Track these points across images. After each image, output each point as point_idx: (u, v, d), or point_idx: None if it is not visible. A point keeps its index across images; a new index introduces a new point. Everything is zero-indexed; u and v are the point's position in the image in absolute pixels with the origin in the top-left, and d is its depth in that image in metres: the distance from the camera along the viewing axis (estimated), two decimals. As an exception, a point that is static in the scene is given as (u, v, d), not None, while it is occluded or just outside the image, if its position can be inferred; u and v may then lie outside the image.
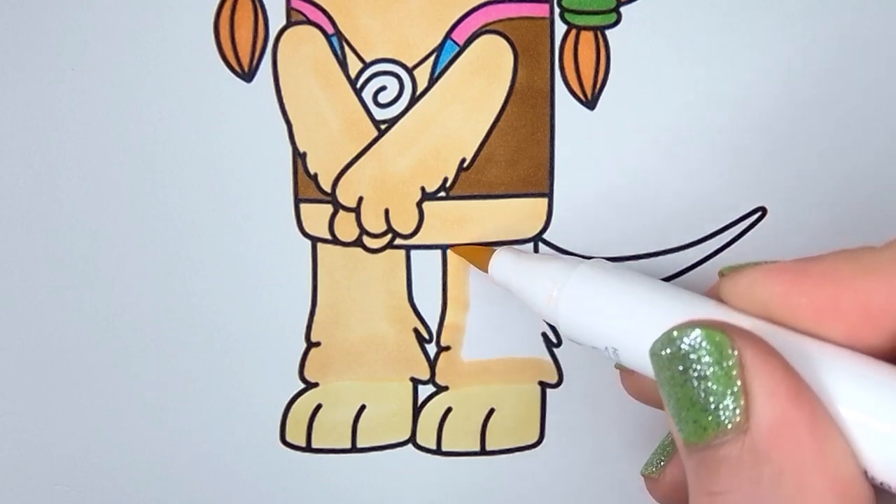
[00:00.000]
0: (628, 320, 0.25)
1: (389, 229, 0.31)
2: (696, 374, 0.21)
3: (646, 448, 0.33)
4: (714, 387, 0.20)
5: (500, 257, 0.30)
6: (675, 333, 0.21)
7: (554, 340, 0.32)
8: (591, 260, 0.27)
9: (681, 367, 0.21)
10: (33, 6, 0.30)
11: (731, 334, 0.21)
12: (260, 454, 0.32)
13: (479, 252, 0.31)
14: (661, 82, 0.31)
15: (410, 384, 0.32)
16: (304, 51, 0.30)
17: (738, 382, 0.20)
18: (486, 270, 0.30)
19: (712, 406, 0.20)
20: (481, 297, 0.32)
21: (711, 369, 0.21)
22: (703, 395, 0.21)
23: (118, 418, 0.32)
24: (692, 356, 0.21)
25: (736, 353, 0.20)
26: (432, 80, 0.31)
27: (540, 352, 0.32)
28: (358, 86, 0.31)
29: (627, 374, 0.29)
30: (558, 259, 0.28)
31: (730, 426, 0.20)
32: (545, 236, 0.32)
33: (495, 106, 0.31)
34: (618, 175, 0.31)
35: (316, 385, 0.32)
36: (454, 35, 0.31)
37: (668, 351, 0.21)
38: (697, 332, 0.21)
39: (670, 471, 0.27)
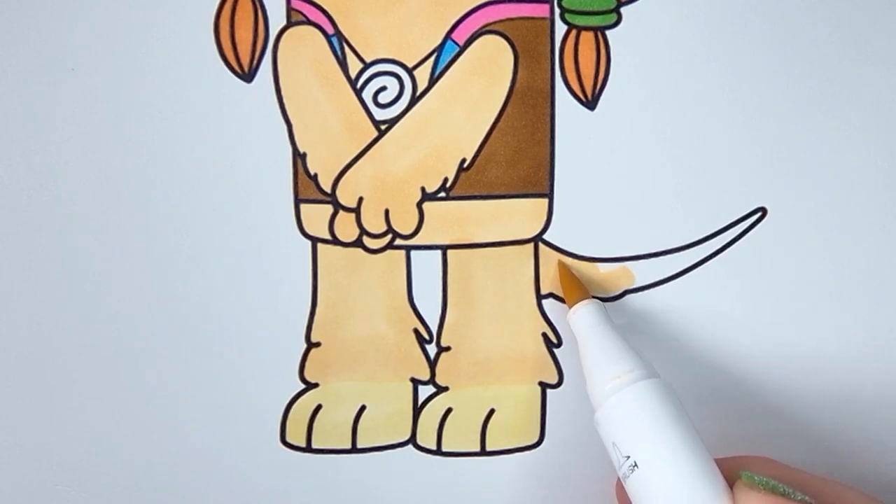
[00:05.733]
0: (666, 451, 0.26)
1: (389, 229, 0.31)
2: None
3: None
4: None
5: (585, 309, 0.30)
6: None
7: (554, 341, 0.32)
8: (657, 381, 0.28)
9: None
10: (33, 6, 0.30)
11: None
12: (260, 454, 0.32)
13: (575, 287, 0.31)
14: (661, 82, 0.31)
15: (410, 384, 0.32)
16: (304, 51, 0.30)
17: None
18: (569, 306, 0.31)
19: None
20: (481, 298, 0.32)
21: None
22: None
23: (118, 418, 0.32)
24: None
25: None
26: (432, 81, 0.31)
27: (540, 352, 0.32)
28: (358, 86, 0.31)
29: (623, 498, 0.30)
30: (632, 355, 0.29)
31: None
32: (545, 236, 0.32)
33: (495, 106, 0.31)
34: (618, 175, 0.31)
35: (316, 385, 0.32)
36: (454, 35, 0.30)
37: None
38: None
39: None
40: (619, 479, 0.30)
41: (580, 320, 0.30)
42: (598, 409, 0.28)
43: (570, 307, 0.31)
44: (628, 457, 0.27)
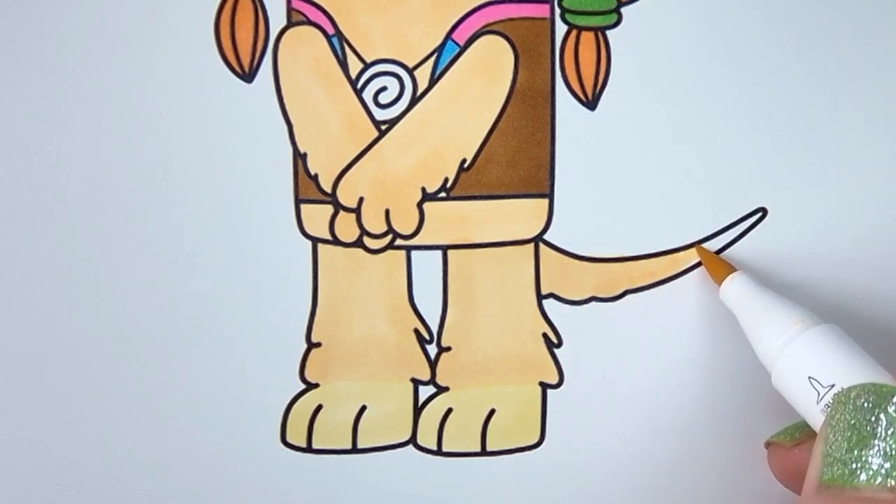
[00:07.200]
0: (869, 373, 0.26)
1: (390, 230, 0.31)
2: (882, 430, 0.23)
3: (645, 448, 0.33)
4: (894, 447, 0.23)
5: (737, 280, 0.30)
6: (885, 389, 0.24)
7: (554, 341, 0.32)
8: (825, 326, 0.28)
9: (871, 418, 0.24)
10: (33, 6, 0.30)
11: None
12: (260, 455, 0.32)
13: (719, 265, 0.31)
14: (661, 82, 0.31)
15: (411, 385, 0.32)
16: (304, 51, 0.30)
17: None
18: (718, 284, 0.31)
19: (884, 461, 0.23)
20: (482, 298, 0.32)
21: None
22: (879, 448, 0.23)
23: (118, 418, 0.32)
24: (891, 414, 0.24)
25: None
26: (433, 81, 0.31)
27: (540, 352, 0.32)
28: (358, 86, 0.31)
29: (779, 453, 0.30)
30: (794, 309, 0.29)
31: (892, 483, 0.23)
32: (545, 236, 0.32)
33: (496, 106, 0.31)
34: (618, 175, 0.31)
35: (316, 386, 0.32)
36: (455, 35, 0.30)
37: (868, 401, 0.24)
38: None
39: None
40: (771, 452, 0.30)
41: (735, 290, 0.30)
42: (783, 351, 0.28)
43: (720, 284, 0.31)
44: (833, 385, 0.26)
